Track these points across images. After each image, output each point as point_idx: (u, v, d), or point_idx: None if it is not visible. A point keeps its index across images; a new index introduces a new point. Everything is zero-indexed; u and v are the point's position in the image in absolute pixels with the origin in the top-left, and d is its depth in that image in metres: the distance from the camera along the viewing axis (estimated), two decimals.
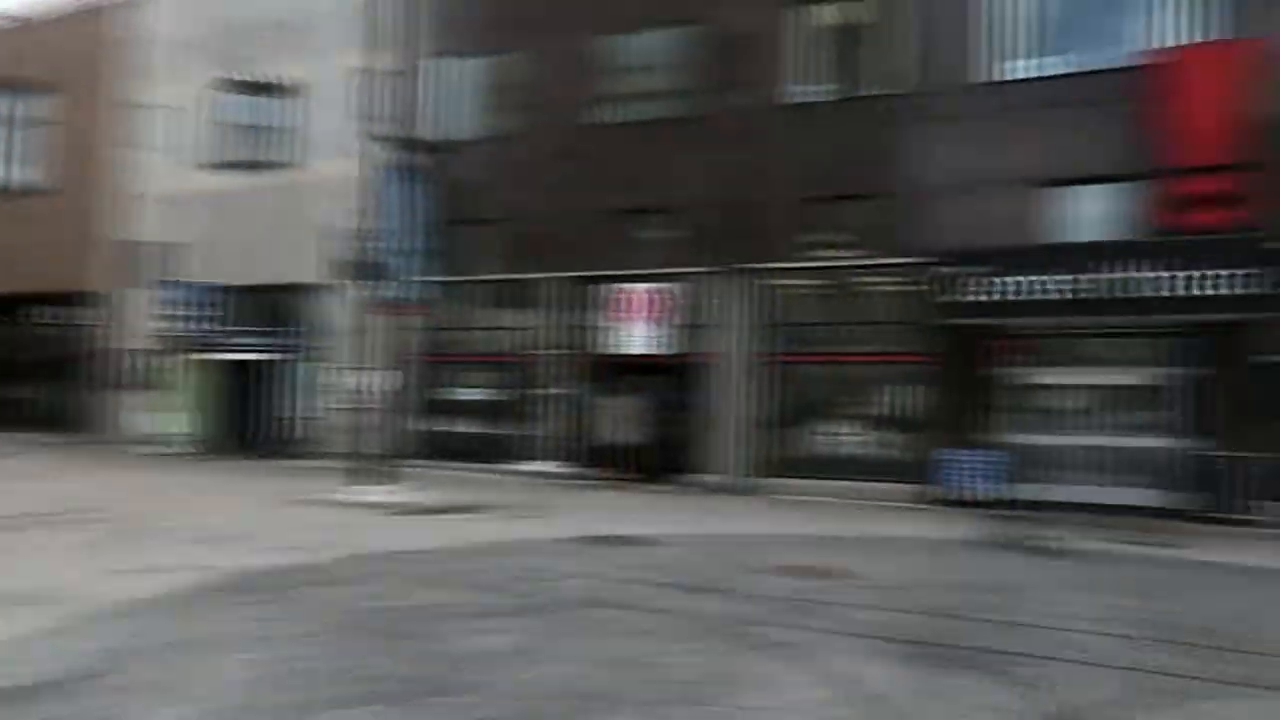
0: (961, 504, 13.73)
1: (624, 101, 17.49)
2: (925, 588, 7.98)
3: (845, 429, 15.70)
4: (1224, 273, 11.74)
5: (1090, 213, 14.04)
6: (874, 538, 10.93)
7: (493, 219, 17.88)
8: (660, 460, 16.78)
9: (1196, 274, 11.90)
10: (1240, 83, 12.52)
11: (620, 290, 17.11)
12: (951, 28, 14.91)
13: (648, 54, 17.41)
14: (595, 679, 5.19)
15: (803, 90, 16.14)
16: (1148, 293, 12.15)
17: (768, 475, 15.70)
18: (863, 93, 15.70)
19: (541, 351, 17.74)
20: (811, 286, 15.94)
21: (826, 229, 15.89)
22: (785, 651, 5.90)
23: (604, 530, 10.50)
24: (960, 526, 11.70)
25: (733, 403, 16.09)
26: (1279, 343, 12.59)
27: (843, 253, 15.74)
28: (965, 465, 14.03)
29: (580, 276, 17.36)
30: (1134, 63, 13.50)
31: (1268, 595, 8.11)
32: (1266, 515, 12.40)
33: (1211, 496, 12.79)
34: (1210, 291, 11.84)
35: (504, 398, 18.20)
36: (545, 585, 7.62)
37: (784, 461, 15.79)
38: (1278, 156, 12.44)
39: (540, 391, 17.70)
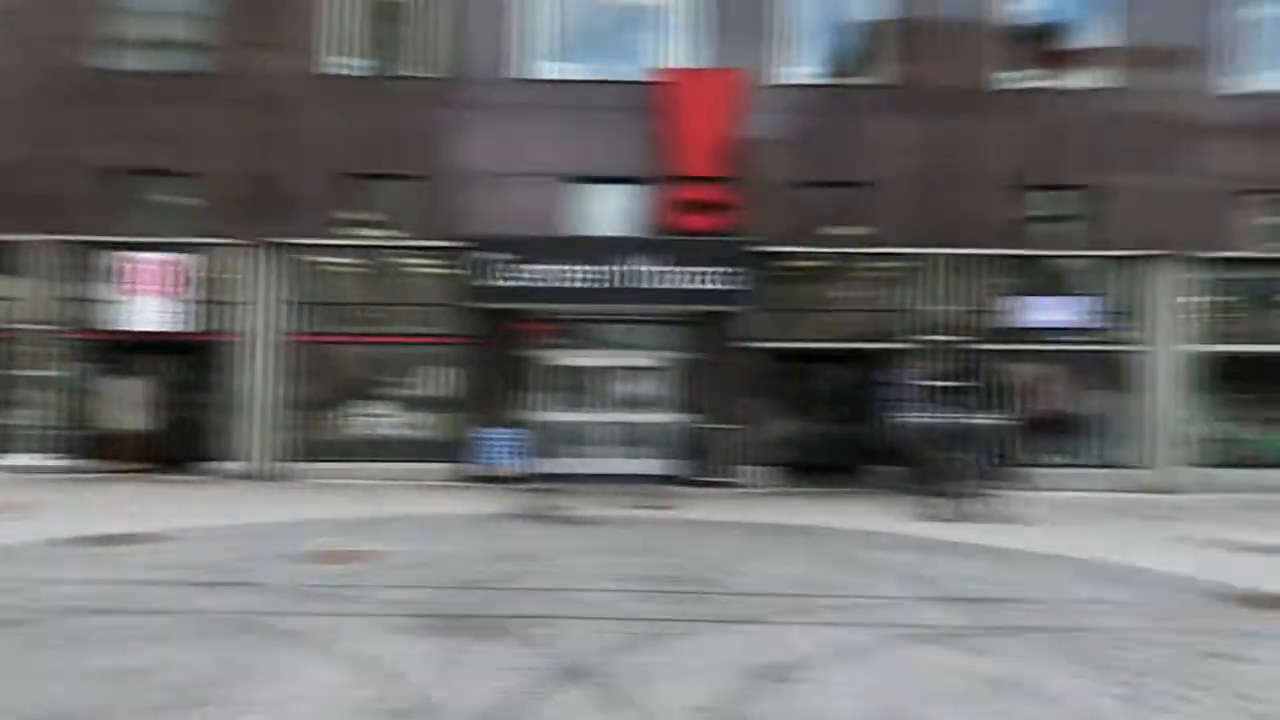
0: (493, 480, 14.46)
1: (138, 48, 15.60)
2: (452, 562, 8.35)
3: (381, 410, 15.71)
4: (713, 270, 13.81)
5: (606, 210, 15.74)
6: (406, 517, 11.16)
7: None
8: (177, 448, 15.37)
9: (691, 270, 13.79)
10: (724, 106, 14.68)
11: (127, 259, 15.13)
12: (487, 20, 15.71)
13: None
14: (80, 696, 4.64)
15: (340, 62, 15.63)
16: (652, 285, 13.86)
17: (300, 460, 15.10)
18: (401, 72, 15.77)
19: (28, 326, 15.05)
20: (346, 264, 15.60)
21: (362, 206, 15.68)
22: (306, 640, 5.83)
23: (104, 529, 9.31)
24: (491, 502, 12.44)
25: (260, 385, 15.18)
26: (752, 331, 14.92)
27: (379, 232, 15.71)
28: (496, 443, 14.75)
29: (78, 241, 15.03)
30: (645, 78, 15.27)
31: (737, 545, 9.78)
32: (741, 478, 14.76)
33: (700, 464, 14.85)
34: (702, 286, 13.84)
35: None
36: (22, 595, 6.57)
37: (318, 445, 15.31)
38: (752, 172, 14.83)
39: (27, 373, 15.01)
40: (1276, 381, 15.49)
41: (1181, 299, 15.35)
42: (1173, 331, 15.36)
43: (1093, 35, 15.93)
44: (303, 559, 8.26)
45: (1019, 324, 15.29)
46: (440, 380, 15.53)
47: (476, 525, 10.74)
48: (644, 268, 13.84)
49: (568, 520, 11.11)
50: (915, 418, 14.84)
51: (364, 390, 15.72)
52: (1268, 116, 15.19)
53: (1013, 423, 14.38)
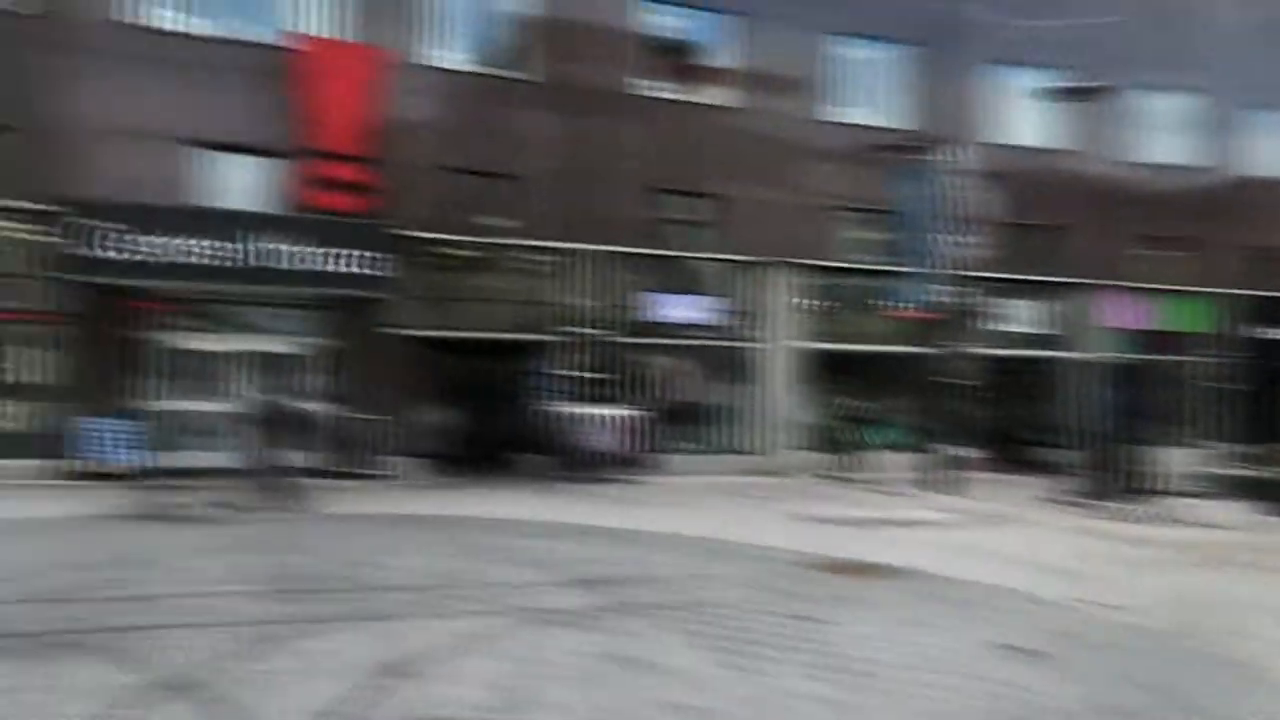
0: (102, 476, 13.27)
1: None
2: (41, 572, 7.65)
3: None
4: (354, 252, 13.93)
5: (236, 181, 15.54)
6: None
7: None
8: None
9: (330, 251, 13.77)
10: (367, 83, 14.59)
11: None
12: None
13: None
14: None
15: None
16: (287, 265, 13.70)
17: None
18: None
19: None
20: None
21: None
22: None
23: None
24: (96, 502, 11.66)
25: None
26: (397, 318, 14.85)
27: None
28: (106, 434, 13.58)
29: None
30: (281, 43, 15.07)
31: (374, 540, 9.84)
32: (387, 469, 14.90)
33: (345, 455, 14.47)
34: (342, 269, 13.80)
35: None
36: None
37: None
38: (397, 155, 14.91)
39: None
40: (866, 375, 18.19)
41: (793, 301, 17.58)
42: (785, 330, 17.57)
43: (721, 56, 18.14)
44: None
45: (655, 319, 16.78)
46: (33, 363, 13.83)
47: (76, 528, 10.14)
48: (277, 246, 13.65)
49: (189, 519, 10.45)
50: (557, 407, 15.68)
51: None
52: (857, 144, 17.86)
53: (646, 412, 15.69)
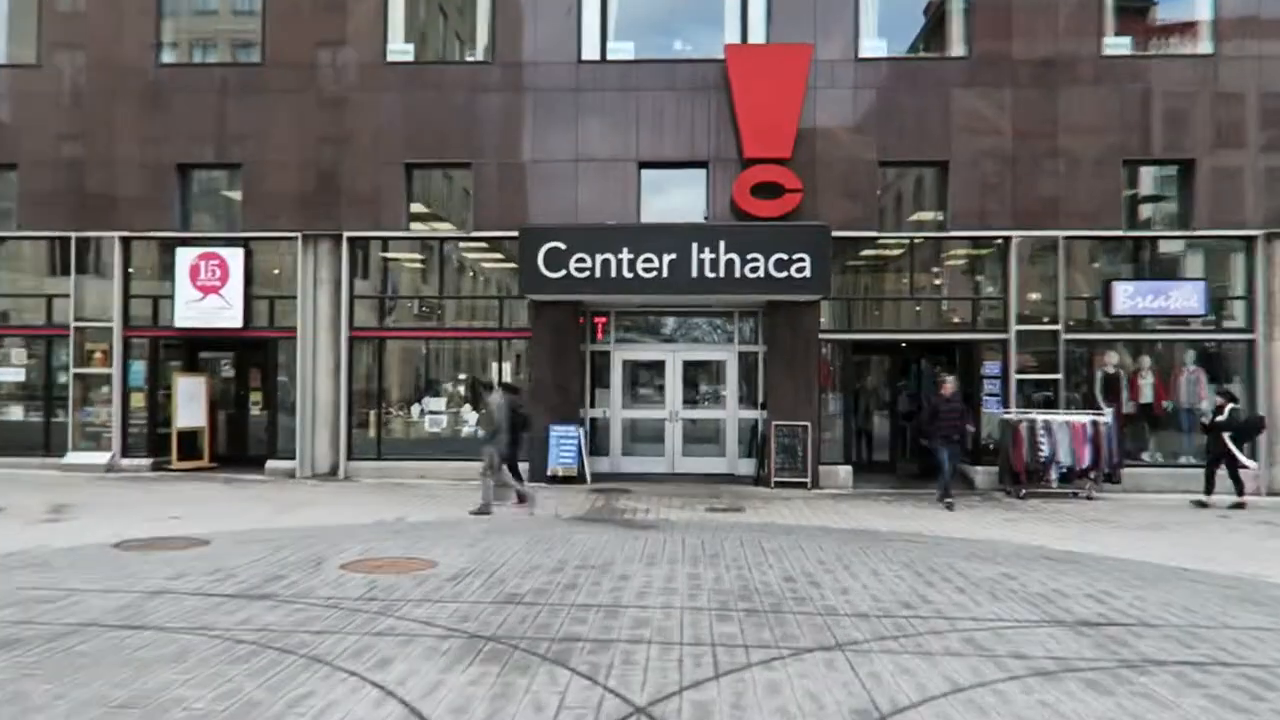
0: (561, 480, 14.44)
1: None
2: (521, 573, 8.16)
3: (438, 407, 15.72)
4: (788, 256, 13.74)
5: (675, 196, 15.49)
6: (450, 521, 11.03)
7: None
8: (238, 446, 15.52)
9: (765, 256, 13.75)
10: (790, 84, 14.54)
11: (191, 255, 15.39)
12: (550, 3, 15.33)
13: None
14: None
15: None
16: (724, 274, 13.86)
17: (366, 459, 15.09)
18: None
19: (93, 324, 15.84)
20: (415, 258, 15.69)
21: (427, 199, 15.70)
22: (353, 660, 5.64)
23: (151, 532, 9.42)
24: (558, 502, 12.25)
25: (324, 382, 15.17)
26: (825, 322, 14.87)
27: (437, 225, 15.74)
28: (562, 440, 14.64)
29: (140, 238, 16.15)
30: (703, 56, 15.67)
31: (819, 554, 9.73)
32: (814, 477, 15.09)
33: (779, 461, 14.62)
34: (777, 274, 13.92)
35: None
36: (55, 606, 6.81)
37: (382, 444, 15.34)
38: (822, 152, 15.32)
39: (90, 371, 15.50)
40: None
41: None
42: None
43: (1188, 6, 15.23)
44: (346, 568, 8.21)
45: (1118, 311, 14.77)
46: (502, 376, 15.50)
47: (543, 528, 10.63)
48: (714, 255, 13.70)
49: (629, 524, 10.92)
50: (1003, 413, 14.44)
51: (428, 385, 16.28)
52: None
53: (1108, 419, 13.89)
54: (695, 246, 13.93)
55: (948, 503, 12.91)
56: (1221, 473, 13.54)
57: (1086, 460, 13.95)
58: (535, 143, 15.48)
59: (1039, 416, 14.21)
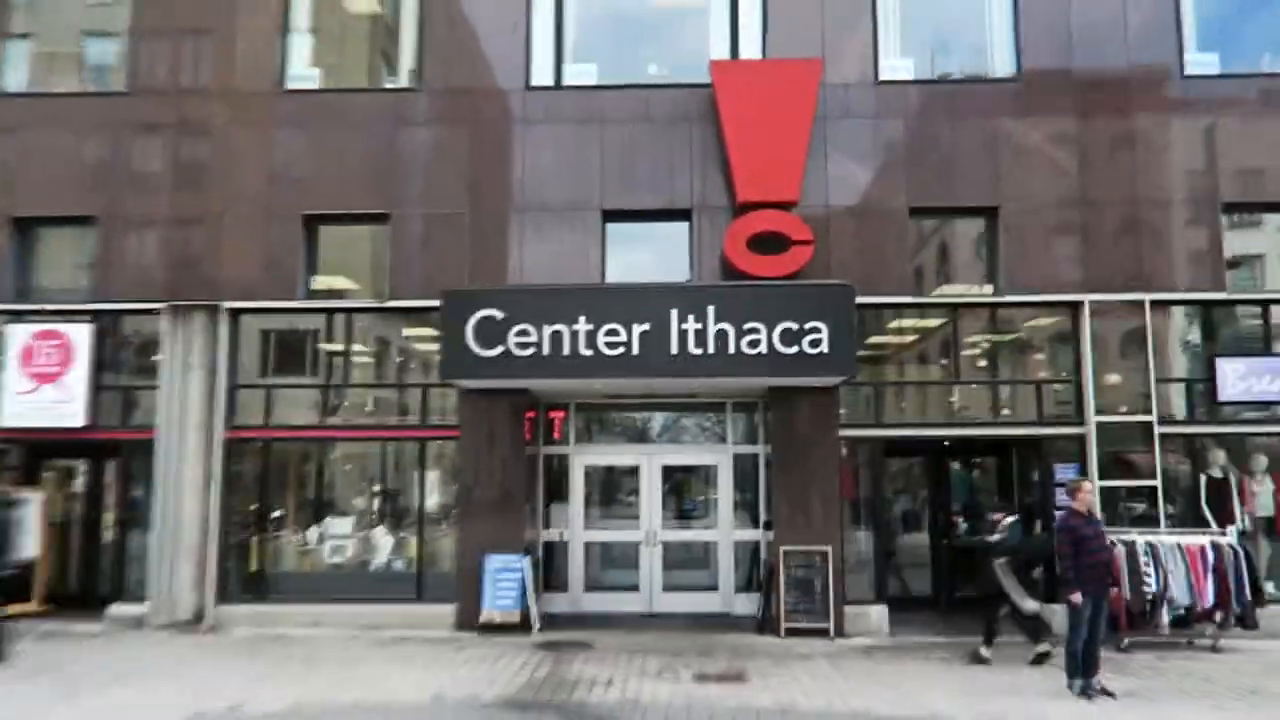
0: (496, 628, 11.03)
1: None
2: None
3: (343, 530, 12.32)
4: (793, 325, 10.31)
5: (651, 251, 12.47)
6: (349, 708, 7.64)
7: None
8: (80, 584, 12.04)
9: (771, 326, 10.60)
10: (793, 109, 11.70)
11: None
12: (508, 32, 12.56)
13: None
14: None
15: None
16: (719, 349, 10.70)
17: (236, 601, 11.67)
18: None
19: None
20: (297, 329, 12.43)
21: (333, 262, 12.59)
22: None
23: None
24: (492, 668, 8.84)
25: (186, 498, 11.78)
26: (846, 413, 11.52)
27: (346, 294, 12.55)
28: (501, 574, 11.28)
29: None
30: (692, 81, 12.58)
31: None
32: (839, 621, 11.45)
33: (779, 600, 11.35)
34: (787, 348, 10.49)
35: None
36: None
37: (258, 580, 11.84)
38: (835, 196, 12.24)
39: None
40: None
41: None
42: None
43: None
44: None
45: (1229, 397, 11.53)
46: (423, 488, 12.17)
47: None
48: (704, 325, 10.56)
49: (580, 716, 7.52)
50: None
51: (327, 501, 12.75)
52: None
53: (1232, 539, 10.65)
54: (675, 315, 10.70)
55: (1085, 688, 8.60)
56: None
57: (1209, 598, 10.57)
58: (472, 189, 12.42)
59: (1140, 538, 10.87)
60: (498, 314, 10.74)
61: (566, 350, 10.68)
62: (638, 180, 12.41)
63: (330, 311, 12.63)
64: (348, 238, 13.00)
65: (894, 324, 12.60)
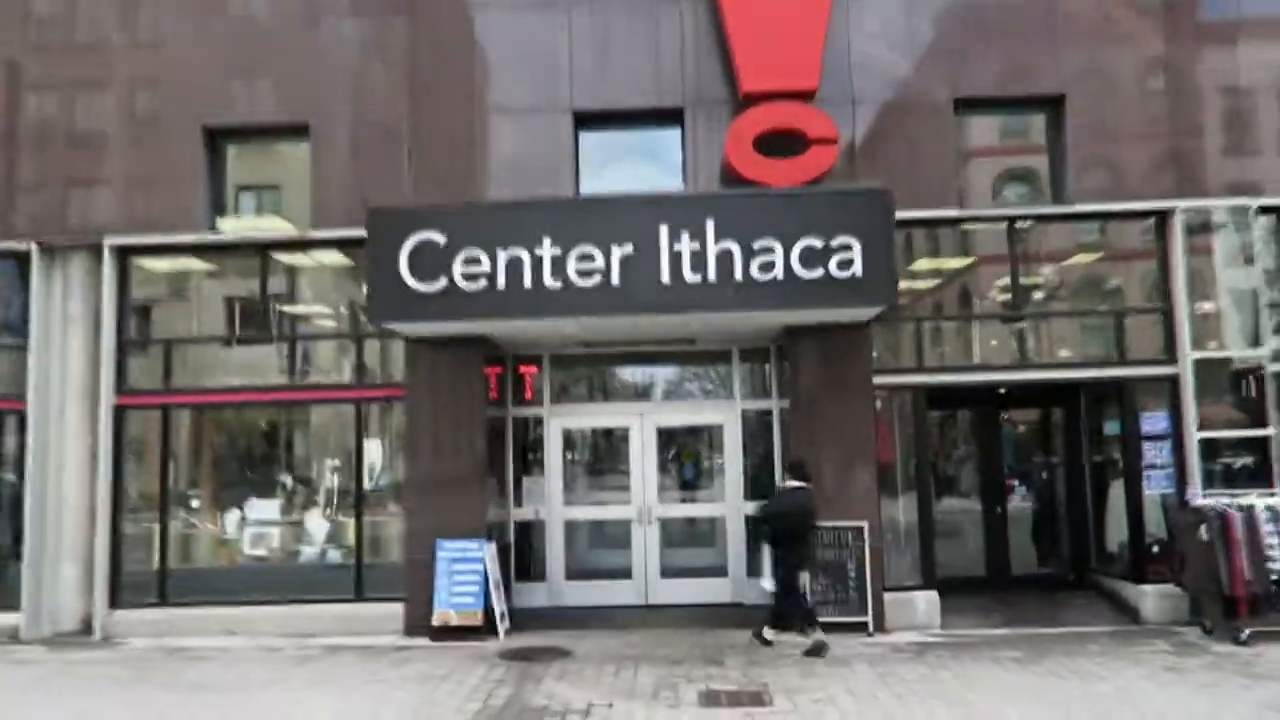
0: (446, 632, 8.97)
1: None
2: None
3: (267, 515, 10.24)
4: (816, 243, 8.14)
5: (636, 158, 10.17)
6: None
7: None
8: None
9: (778, 246, 8.20)
10: None
11: None
12: None
13: None
14: None
15: None
16: (723, 275, 8.40)
17: (125, 607, 9.66)
18: None
19: None
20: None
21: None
22: None
23: None
24: (449, 688, 6.81)
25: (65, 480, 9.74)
26: (878, 356, 9.50)
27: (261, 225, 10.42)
28: (456, 566, 9.21)
29: None
30: None
31: None
32: (875, 611, 9.45)
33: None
34: (800, 273, 8.18)
35: None
36: None
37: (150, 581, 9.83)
38: (861, 82, 9.85)
39: None
40: None
41: None
42: None
43: None
44: None
45: None
46: (358, 462, 10.05)
47: None
48: (696, 245, 8.41)
49: None
50: (1191, 498, 9.11)
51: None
52: None
53: None
54: (666, 232, 8.44)
55: None
56: None
57: None
58: (412, 92, 10.14)
59: (1259, 501, 8.80)
60: (439, 238, 8.50)
61: (528, 282, 8.43)
62: (616, 75, 10.10)
63: (241, 248, 10.31)
64: (263, 157, 10.83)
65: (936, 246, 10.38)
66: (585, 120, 10.21)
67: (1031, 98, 10.10)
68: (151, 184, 10.20)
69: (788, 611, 8.80)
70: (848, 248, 8.31)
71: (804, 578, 9.10)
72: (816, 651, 8.41)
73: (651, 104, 10.10)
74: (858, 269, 8.31)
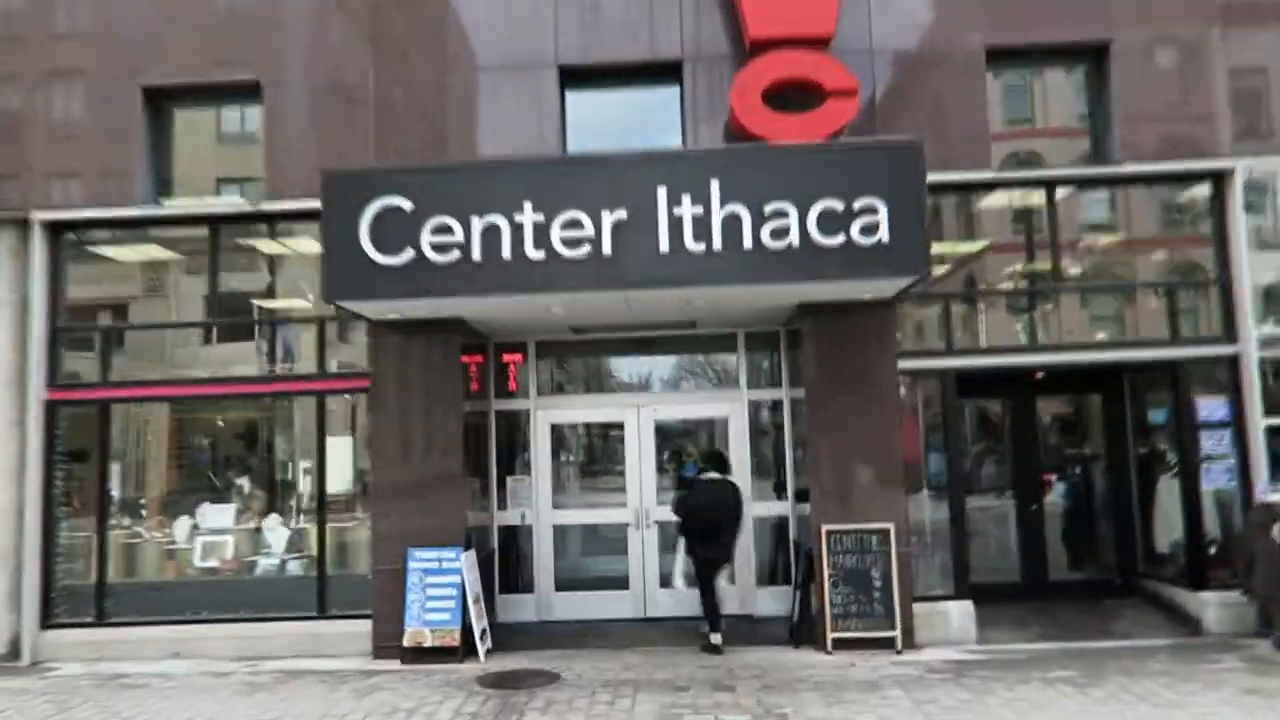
0: (420, 654, 7.97)
1: None
2: None
3: (221, 522, 9.20)
4: (836, 205, 7.14)
5: (618, 129, 9.21)
6: None
7: None
8: None
9: (792, 209, 7.18)
10: None
11: None
12: None
13: None
14: None
15: None
16: (730, 245, 7.48)
17: (59, 624, 8.61)
18: None
19: None
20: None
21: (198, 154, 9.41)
22: None
23: None
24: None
25: None
26: (911, 339, 8.50)
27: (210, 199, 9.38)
28: (429, 578, 8.21)
29: None
30: None
31: None
32: (893, 622, 8.41)
33: (798, 596, 8.46)
34: (818, 239, 7.18)
35: None
36: None
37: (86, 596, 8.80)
38: (872, 41, 8.85)
39: None
40: None
41: None
42: None
43: None
44: None
45: None
46: (322, 460, 9.03)
47: None
48: (699, 209, 7.41)
49: None
50: (1262, 495, 8.16)
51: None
52: None
53: None
54: (664, 195, 7.35)
55: None
56: None
57: None
58: (376, 47, 9.08)
59: None
60: (405, 204, 7.41)
61: (507, 253, 7.33)
62: (606, 25, 9.02)
63: (187, 222, 9.23)
64: (213, 121, 9.80)
65: (968, 214, 9.35)
66: (572, 77, 9.13)
67: (1070, 46, 9.00)
68: (85, 152, 9.08)
69: (706, 611, 8.35)
70: (873, 210, 7.24)
71: (724, 576, 8.63)
72: (710, 649, 8.30)
73: (645, 58, 9.00)
74: (884, 234, 7.26)
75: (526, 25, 9.09)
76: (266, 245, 9.40)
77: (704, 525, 8.45)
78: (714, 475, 8.65)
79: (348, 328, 9.07)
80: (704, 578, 8.53)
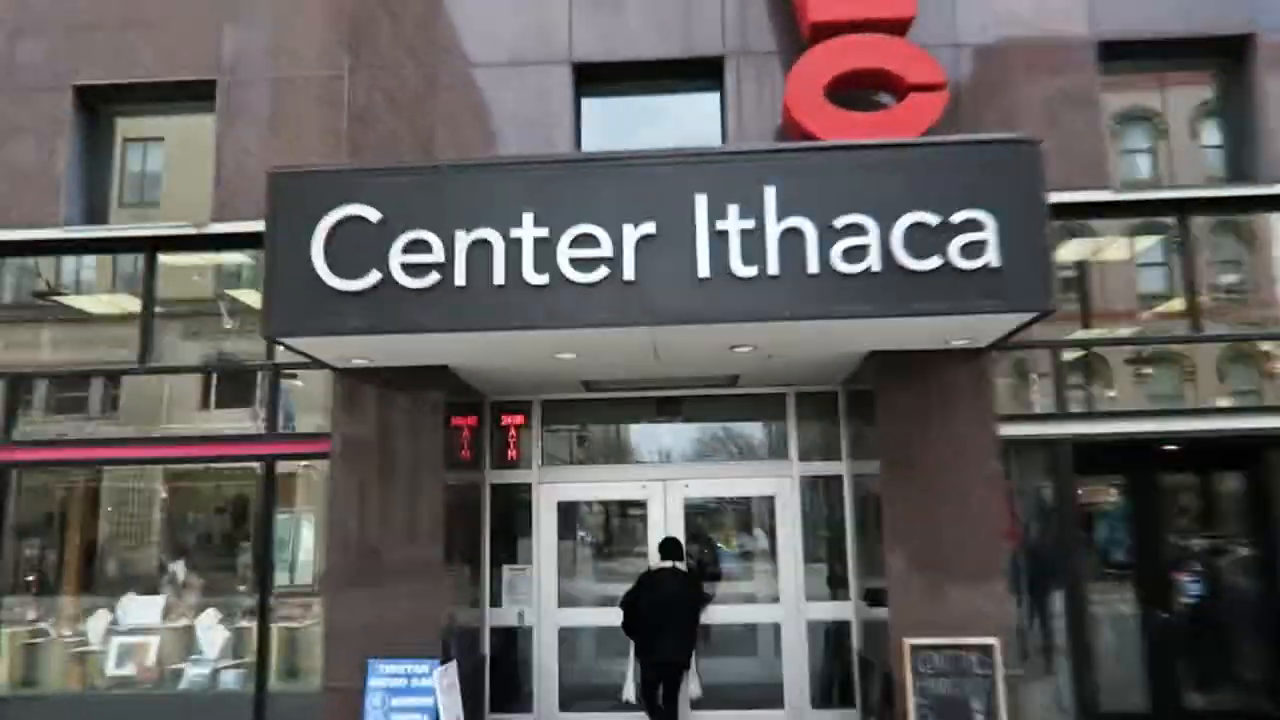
0: None
1: None
2: None
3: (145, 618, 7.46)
4: (928, 219, 5.52)
5: (648, 133, 7.67)
6: None
7: None
8: None
9: (871, 224, 5.56)
10: None
11: None
12: None
13: None
14: None
15: None
16: (766, 270, 5.68)
17: None
18: None
19: None
20: None
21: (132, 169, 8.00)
22: None
23: None
24: None
25: None
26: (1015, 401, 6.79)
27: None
28: (393, 700, 6.44)
29: None
30: None
31: None
32: None
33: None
34: (904, 262, 5.53)
35: None
36: None
37: None
38: (957, 30, 7.17)
39: None
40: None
41: None
42: None
43: None
44: None
45: None
46: (289, 536, 7.37)
47: None
48: (748, 223, 5.82)
49: None
50: None
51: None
52: None
53: None
54: (705, 204, 5.68)
55: None
56: None
57: None
58: (355, 37, 7.62)
59: None
60: (371, 213, 5.80)
61: (500, 276, 5.67)
62: (629, 16, 7.62)
63: (118, 245, 7.67)
64: (156, 129, 8.35)
65: (1084, 239, 7.63)
66: (589, 76, 7.62)
67: (1202, 39, 7.42)
68: (5, 161, 7.77)
69: None
70: (977, 225, 5.59)
71: (691, 687, 7.35)
72: None
73: (678, 54, 7.48)
74: (992, 257, 5.63)
75: (536, 16, 7.68)
76: (212, 274, 7.91)
77: (646, 624, 7.11)
78: (665, 564, 7.33)
79: (312, 376, 7.48)
80: (650, 688, 7.14)
